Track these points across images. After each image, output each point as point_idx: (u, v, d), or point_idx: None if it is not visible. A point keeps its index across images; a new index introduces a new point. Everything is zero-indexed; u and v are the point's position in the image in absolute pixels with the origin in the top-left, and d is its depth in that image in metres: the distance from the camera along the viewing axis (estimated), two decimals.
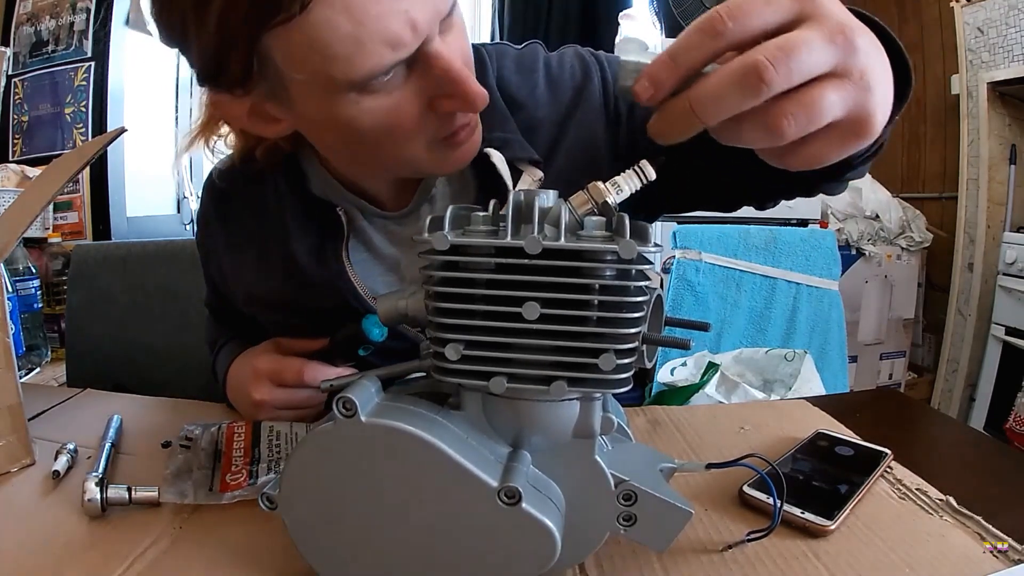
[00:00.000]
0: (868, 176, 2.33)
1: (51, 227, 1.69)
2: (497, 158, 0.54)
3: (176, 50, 0.44)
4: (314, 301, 0.59)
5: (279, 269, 0.60)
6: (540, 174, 0.56)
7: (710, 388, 1.21)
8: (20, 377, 0.55)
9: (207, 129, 0.57)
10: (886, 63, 0.32)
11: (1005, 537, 0.42)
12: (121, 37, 1.85)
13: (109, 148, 1.65)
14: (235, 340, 0.70)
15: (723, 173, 0.52)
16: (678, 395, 1.26)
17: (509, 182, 0.54)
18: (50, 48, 1.85)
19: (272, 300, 0.63)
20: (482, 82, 0.47)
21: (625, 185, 0.35)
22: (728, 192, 0.59)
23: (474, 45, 0.55)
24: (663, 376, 1.37)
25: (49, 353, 1.41)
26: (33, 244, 1.56)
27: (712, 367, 1.29)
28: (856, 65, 0.29)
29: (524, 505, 0.31)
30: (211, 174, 0.68)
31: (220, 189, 0.66)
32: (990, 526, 0.43)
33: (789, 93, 0.29)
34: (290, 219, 0.59)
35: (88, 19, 1.82)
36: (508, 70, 0.60)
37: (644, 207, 0.61)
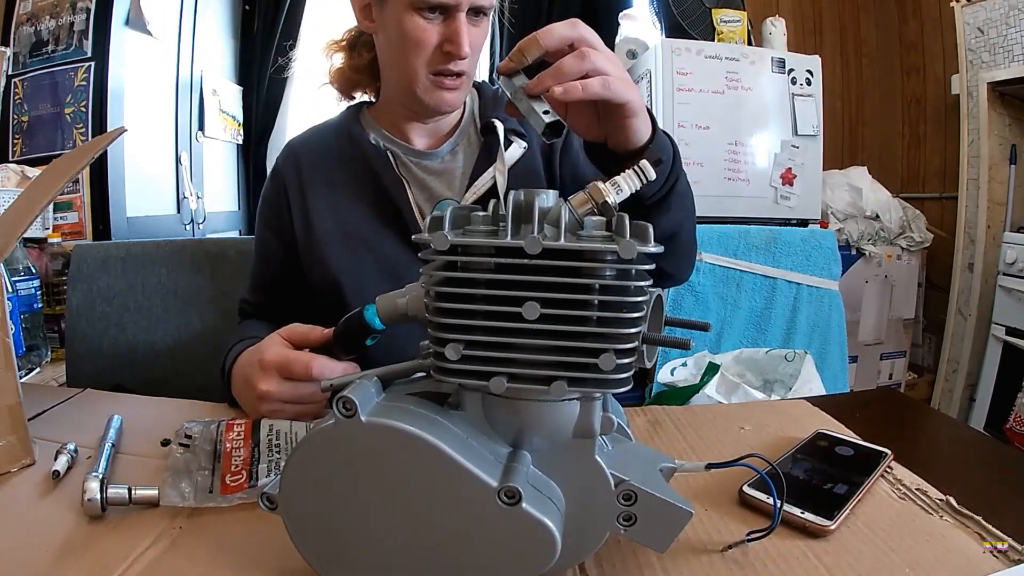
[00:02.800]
0: (868, 176, 2.34)
1: (51, 227, 1.69)
2: (499, 126, 0.83)
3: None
4: (381, 226, 0.82)
5: (368, 188, 0.82)
6: (525, 144, 0.84)
7: (710, 388, 1.21)
8: (20, 377, 0.55)
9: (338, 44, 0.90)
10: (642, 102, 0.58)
11: (1005, 537, 0.42)
12: (121, 37, 1.85)
13: (109, 148, 1.65)
14: (252, 337, 0.71)
15: None
16: (678, 395, 1.26)
17: (502, 139, 0.82)
18: (50, 48, 1.85)
19: (359, 229, 0.82)
20: (492, 94, 0.89)
21: (625, 185, 0.35)
22: None
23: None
24: (663, 376, 1.37)
25: (49, 353, 1.40)
26: (33, 244, 1.56)
27: (712, 368, 1.29)
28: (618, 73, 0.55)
29: (524, 505, 0.31)
30: (288, 145, 0.91)
31: (305, 151, 0.87)
32: (990, 526, 0.43)
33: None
34: (367, 152, 0.83)
35: (88, 19, 1.82)
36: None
37: None
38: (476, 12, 0.75)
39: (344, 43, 0.89)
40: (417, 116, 0.84)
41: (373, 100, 0.91)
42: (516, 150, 0.83)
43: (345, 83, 0.90)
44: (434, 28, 0.74)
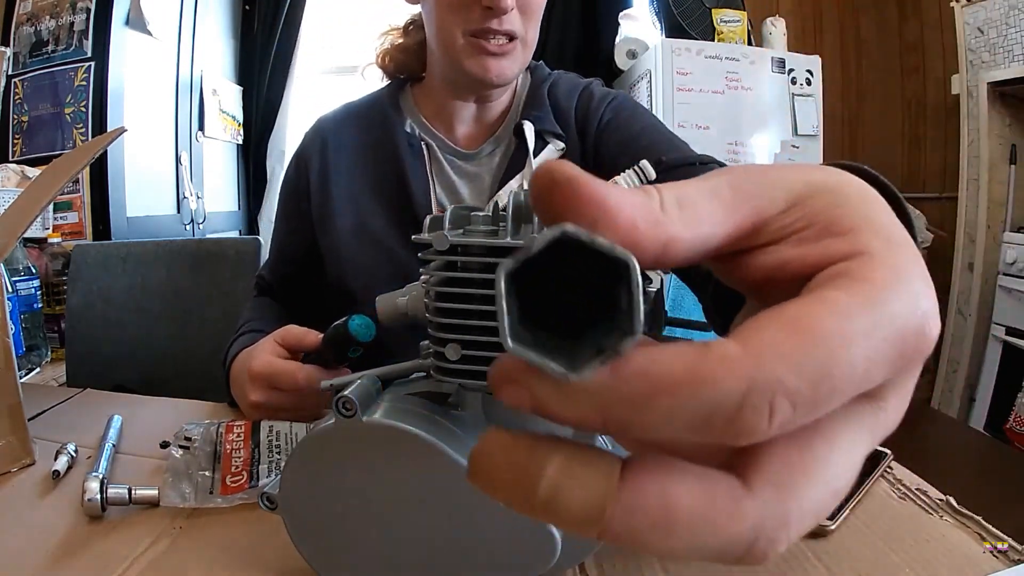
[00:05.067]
0: None
1: (51, 227, 1.69)
2: (528, 128, 0.75)
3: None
4: (400, 229, 0.75)
5: (392, 185, 0.76)
6: (562, 145, 0.76)
7: None
8: (20, 377, 0.55)
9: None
10: None
11: (1005, 537, 0.42)
12: (121, 37, 1.85)
13: (109, 148, 1.65)
14: (254, 331, 0.70)
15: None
16: None
17: (531, 143, 0.74)
18: (50, 48, 1.85)
19: (377, 228, 0.76)
20: (540, 84, 0.79)
21: (625, 185, 0.35)
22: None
23: (549, 70, 0.83)
24: None
25: (49, 353, 1.40)
26: (33, 244, 1.56)
27: None
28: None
29: None
30: (317, 122, 0.84)
31: (333, 133, 0.81)
32: (990, 526, 0.43)
33: None
34: (399, 143, 0.77)
35: (88, 19, 1.82)
36: (562, 81, 0.81)
37: None
38: None
39: (400, 28, 0.84)
40: (463, 93, 0.76)
41: (420, 76, 0.84)
42: (551, 152, 0.75)
43: (392, 65, 0.83)
44: None
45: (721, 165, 0.65)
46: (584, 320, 0.15)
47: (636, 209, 0.15)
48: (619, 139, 0.74)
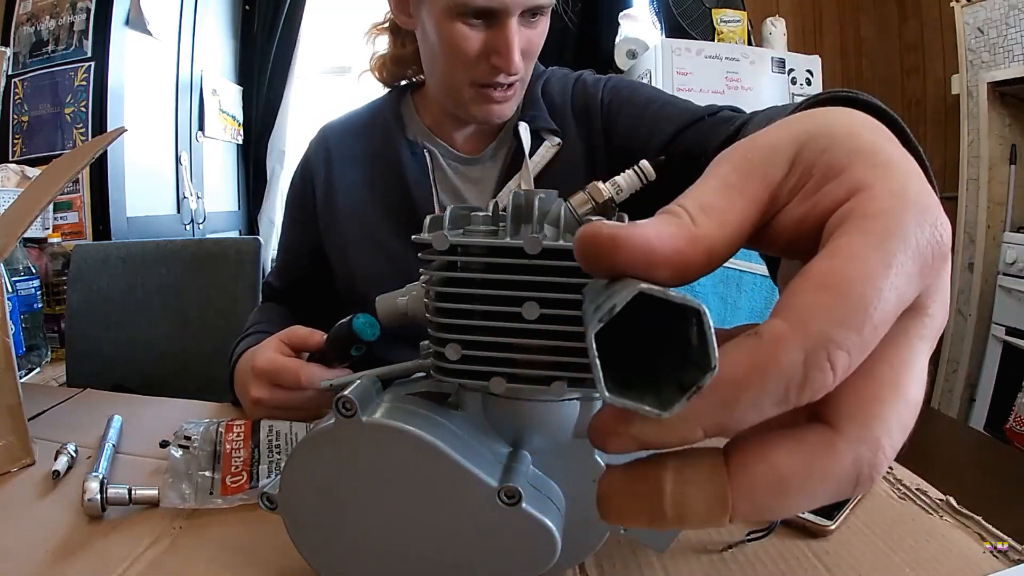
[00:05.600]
0: None
1: (51, 227, 1.69)
2: (523, 128, 0.74)
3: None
4: (406, 236, 0.74)
5: (397, 194, 0.76)
6: (558, 140, 0.75)
7: None
8: (20, 377, 0.55)
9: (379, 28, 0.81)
10: None
11: (1005, 537, 0.42)
12: (121, 37, 1.85)
13: (109, 148, 1.65)
14: (260, 331, 0.70)
15: None
16: None
17: (527, 145, 0.74)
18: (50, 48, 1.85)
19: (383, 236, 0.76)
20: (534, 82, 0.76)
21: (625, 185, 0.35)
22: None
23: (546, 67, 0.81)
24: None
25: (49, 353, 1.40)
26: (33, 244, 1.56)
27: None
28: None
29: (524, 505, 0.31)
30: (321, 132, 0.84)
31: (337, 141, 0.82)
32: (990, 526, 0.43)
33: None
34: (402, 154, 0.77)
35: (88, 19, 1.82)
36: (555, 77, 0.81)
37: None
38: (532, 13, 0.64)
39: (387, 26, 0.80)
40: (461, 122, 0.77)
41: (420, 81, 0.82)
42: (547, 149, 0.74)
43: (387, 74, 0.82)
44: (478, 36, 0.64)
45: (730, 109, 0.65)
46: (655, 358, 0.17)
47: (677, 238, 0.17)
48: (628, 114, 0.73)
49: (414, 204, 0.75)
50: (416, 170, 0.76)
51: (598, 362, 0.16)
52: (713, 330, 0.15)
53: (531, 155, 0.74)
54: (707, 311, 0.15)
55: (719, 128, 0.62)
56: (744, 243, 0.19)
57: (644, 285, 0.15)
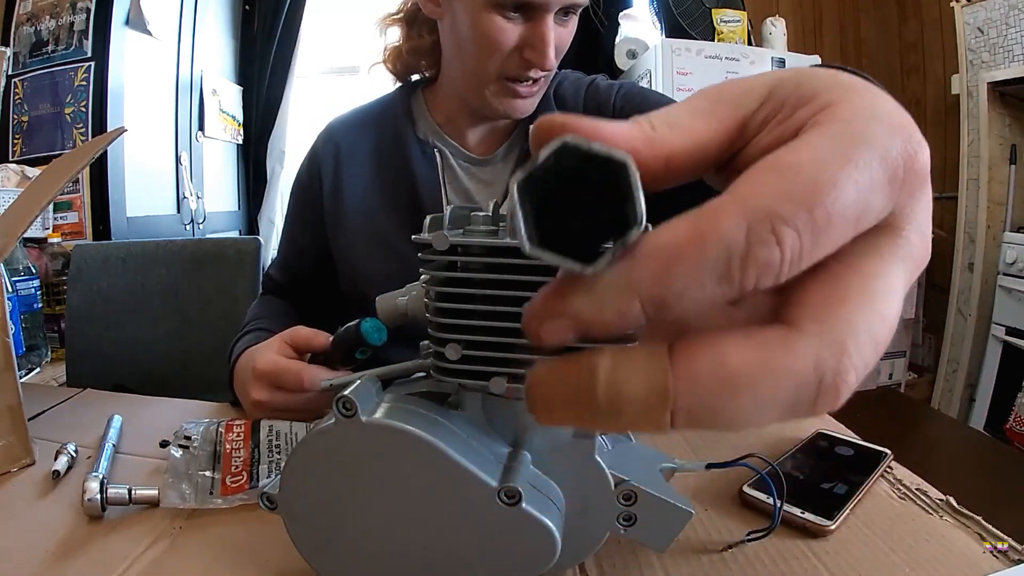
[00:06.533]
0: None
1: (51, 227, 1.69)
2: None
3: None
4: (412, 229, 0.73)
5: (405, 192, 0.74)
6: None
7: None
8: (20, 377, 0.55)
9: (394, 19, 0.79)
10: None
11: (1005, 537, 0.42)
12: (121, 37, 1.85)
13: (109, 148, 1.65)
14: (260, 329, 0.70)
15: None
16: None
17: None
18: (50, 48, 1.85)
19: (390, 235, 0.74)
20: (550, 85, 0.74)
21: None
22: None
23: (556, 69, 0.75)
24: None
25: (49, 353, 1.40)
26: (33, 244, 1.56)
27: None
28: None
29: (524, 505, 0.31)
30: (329, 127, 0.82)
31: (345, 137, 0.79)
32: (990, 526, 0.43)
33: None
34: (411, 152, 0.75)
35: (88, 19, 1.82)
36: (568, 80, 0.80)
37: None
38: (566, 11, 0.65)
39: (401, 16, 0.78)
40: (479, 118, 0.76)
41: (432, 76, 0.80)
42: None
43: (402, 67, 0.80)
44: (514, 29, 0.64)
45: None
46: (594, 227, 0.15)
47: (631, 133, 0.16)
48: None
49: (422, 204, 0.74)
50: (426, 170, 0.75)
51: (519, 212, 0.14)
52: (640, 184, 0.14)
53: None
54: (632, 163, 0.14)
55: None
56: (703, 170, 0.18)
57: (570, 137, 0.14)
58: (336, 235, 0.78)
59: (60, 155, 1.03)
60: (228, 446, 0.53)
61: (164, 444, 0.56)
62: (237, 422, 0.57)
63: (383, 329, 0.51)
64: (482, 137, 0.78)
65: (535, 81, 0.68)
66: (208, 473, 0.49)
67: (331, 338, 0.56)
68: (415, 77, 0.82)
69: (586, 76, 0.82)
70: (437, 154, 0.75)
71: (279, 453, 0.52)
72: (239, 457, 0.51)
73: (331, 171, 0.78)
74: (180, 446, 0.52)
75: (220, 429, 0.55)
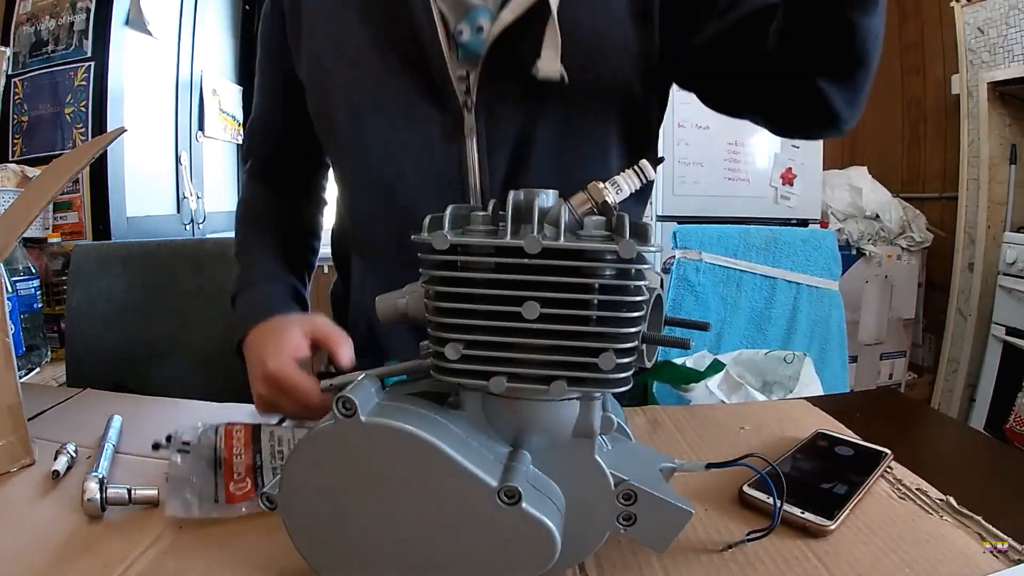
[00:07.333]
0: (868, 176, 2.33)
1: (51, 227, 1.69)
2: None
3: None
4: (398, 43, 0.63)
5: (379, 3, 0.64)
6: None
7: (712, 383, 1.21)
8: (20, 377, 0.55)
9: None
10: None
11: (1005, 537, 0.42)
12: (121, 37, 1.85)
13: (109, 148, 1.65)
14: (269, 278, 0.69)
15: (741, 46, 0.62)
16: (677, 374, 1.25)
17: None
18: (50, 48, 1.85)
19: (357, 39, 0.64)
20: None
21: (625, 185, 0.35)
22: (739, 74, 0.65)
23: None
24: None
25: (49, 353, 1.40)
26: (33, 244, 1.56)
27: (717, 364, 1.29)
28: None
29: (524, 505, 0.31)
30: None
31: None
32: (990, 526, 0.43)
33: None
34: None
35: (88, 19, 1.82)
36: None
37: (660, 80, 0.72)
38: None
39: None
40: None
41: None
42: None
43: None
44: None
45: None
46: None
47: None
48: None
49: (406, 6, 0.62)
50: None
51: None
52: None
53: None
54: None
55: None
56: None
57: None
58: (298, 54, 0.69)
59: (60, 155, 1.03)
60: (229, 451, 0.52)
61: (156, 447, 0.56)
62: (236, 427, 0.56)
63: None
64: None
65: None
66: (211, 479, 0.49)
67: (353, 359, 0.55)
68: None
69: None
70: None
71: (281, 459, 0.51)
72: (241, 462, 0.51)
73: None
74: (180, 451, 0.51)
75: (219, 434, 0.55)
